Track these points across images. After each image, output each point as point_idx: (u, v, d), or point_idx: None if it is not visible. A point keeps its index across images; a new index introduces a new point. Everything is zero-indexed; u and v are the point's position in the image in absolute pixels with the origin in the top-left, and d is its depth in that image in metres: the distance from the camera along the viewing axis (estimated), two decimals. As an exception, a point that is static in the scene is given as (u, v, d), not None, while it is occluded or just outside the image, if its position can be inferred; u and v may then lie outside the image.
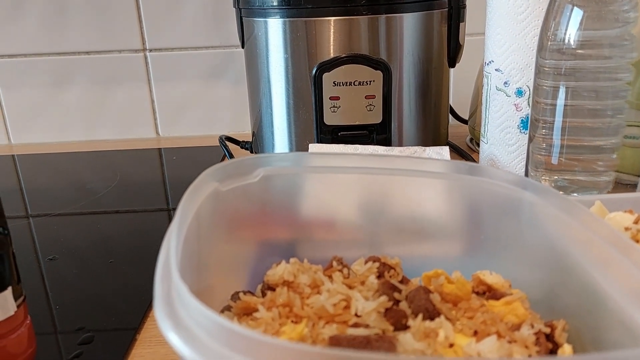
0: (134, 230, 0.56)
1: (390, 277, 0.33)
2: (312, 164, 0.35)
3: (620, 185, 0.39)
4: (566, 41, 0.38)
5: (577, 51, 0.38)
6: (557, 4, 0.38)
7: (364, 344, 0.25)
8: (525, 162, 0.48)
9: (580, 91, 0.38)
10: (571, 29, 0.38)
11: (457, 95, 0.90)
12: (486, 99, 0.56)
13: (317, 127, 0.61)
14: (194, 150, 0.83)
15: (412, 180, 0.36)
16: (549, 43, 0.39)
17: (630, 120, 0.38)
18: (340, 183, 0.36)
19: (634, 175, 0.39)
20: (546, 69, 0.40)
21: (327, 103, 0.60)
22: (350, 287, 0.31)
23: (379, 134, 0.61)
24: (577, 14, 0.38)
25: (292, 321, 0.29)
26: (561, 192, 0.30)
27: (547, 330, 0.28)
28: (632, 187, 0.39)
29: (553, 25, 0.39)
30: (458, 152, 0.74)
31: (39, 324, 0.37)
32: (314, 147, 0.59)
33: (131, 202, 0.64)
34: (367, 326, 0.27)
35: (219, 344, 0.17)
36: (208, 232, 0.30)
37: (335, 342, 0.25)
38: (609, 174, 0.38)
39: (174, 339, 0.18)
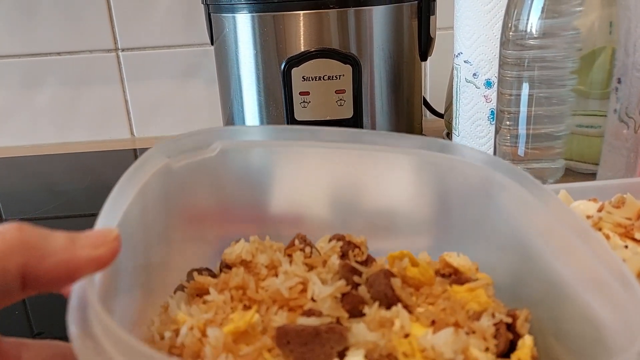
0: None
1: (355, 256, 0.32)
2: (274, 137, 0.33)
3: (578, 175, 0.39)
4: (528, 31, 0.38)
5: (538, 41, 0.37)
6: (517, -6, 0.38)
7: (313, 335, 0.24)
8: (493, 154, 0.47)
9: (539, 81, 0.38)
10: (532, 19, 0.37)
11: (436, 89, 0.90)
12: (456, 92, 0.55)
13: (287, 123, 0.60)
14: (169, 151, 0.82)
15: (384, 157, 0.33)
16: (511, 34, 0.39)
17: (588, 109, 0.38)
18: (306, 158, 0.33)
19: (591, 164, 0.39)
20: (509, 60, 0.40)
21: (297, 98, 0.59)
22: (311, 268, 0.30)
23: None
24: (537, 4, 0.37)
25: (245, 305, 0.27)
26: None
27: (509, 320, 0.27)
28: (590, 176, 0.39)
29: (514, 15, 0.38)
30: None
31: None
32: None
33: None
34: (320, 314, 0.26)
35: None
36: (158, 208, 0.28)
37: (282, 333, 0.24)
38: (559, 162, 0.38)
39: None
